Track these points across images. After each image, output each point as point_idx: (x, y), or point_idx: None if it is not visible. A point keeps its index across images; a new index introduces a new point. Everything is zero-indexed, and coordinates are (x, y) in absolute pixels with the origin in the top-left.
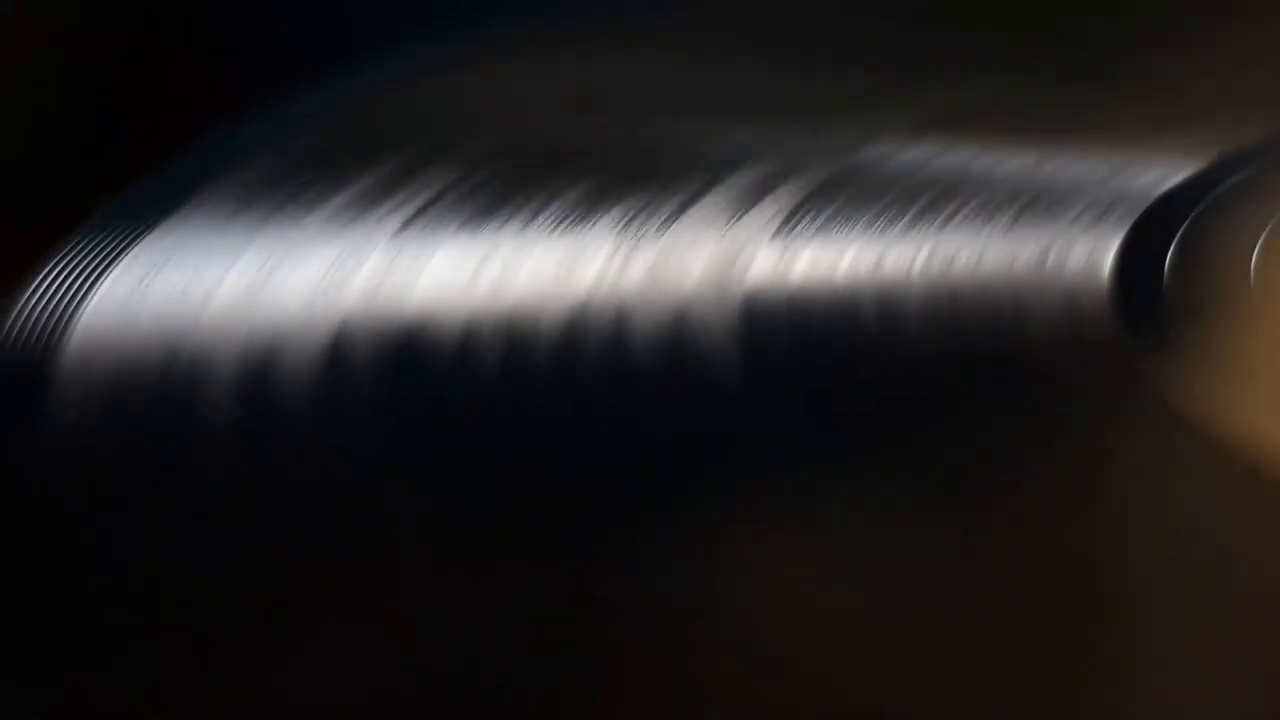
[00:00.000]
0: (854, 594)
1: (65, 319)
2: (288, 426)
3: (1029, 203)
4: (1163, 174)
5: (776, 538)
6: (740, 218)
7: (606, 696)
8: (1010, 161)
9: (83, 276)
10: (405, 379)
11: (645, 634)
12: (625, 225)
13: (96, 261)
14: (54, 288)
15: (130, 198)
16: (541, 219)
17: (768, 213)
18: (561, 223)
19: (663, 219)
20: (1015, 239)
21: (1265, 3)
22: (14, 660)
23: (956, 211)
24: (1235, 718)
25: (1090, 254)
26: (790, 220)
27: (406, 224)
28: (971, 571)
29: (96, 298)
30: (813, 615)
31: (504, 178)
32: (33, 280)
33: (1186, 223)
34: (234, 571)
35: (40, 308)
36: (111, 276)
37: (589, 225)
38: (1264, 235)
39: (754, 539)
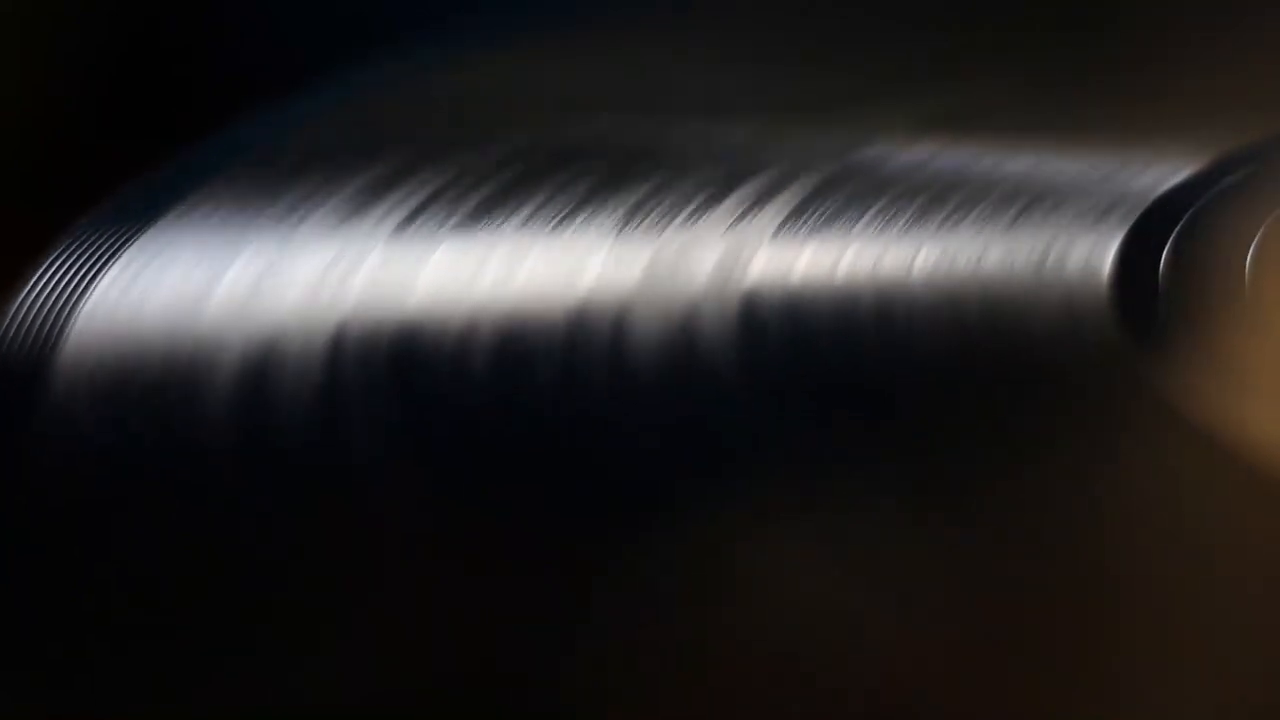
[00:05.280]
0: (854, 594)
1: (63, 317)
2: (286, 426)
3: (1029, 203)
4: (1163, 174)
5: (776, 537)
6: (740, 217)
7: (607, 697)
8: (1010, 161)
9: (81, 275)
10: (404, 378)
11: (645, 634)
12: (624, 225)
13: (94, 260)
14: (52, 286)
15: (128, 196)
16: (541, 218)
17: (768, 212)
18: (561, 222)
19: (662, 218)
20: (1015, 239)
21: (1265, 3)
22: (14, 660)
23: (956, 211)
24: (1235, 717)
25: (1090, 254)
26: (790, 220)
27: (405, 223)
28: (971, 571)
29: (94, 296)
30: (813, 615)
31: (503, 177)
32: (31, 278)
33: (1185, 223)
34: (233, 571)
35: (38, 306)
36: (109, 275)
37: (588, 224)
38: (1260, 234)
39: (754, 539)
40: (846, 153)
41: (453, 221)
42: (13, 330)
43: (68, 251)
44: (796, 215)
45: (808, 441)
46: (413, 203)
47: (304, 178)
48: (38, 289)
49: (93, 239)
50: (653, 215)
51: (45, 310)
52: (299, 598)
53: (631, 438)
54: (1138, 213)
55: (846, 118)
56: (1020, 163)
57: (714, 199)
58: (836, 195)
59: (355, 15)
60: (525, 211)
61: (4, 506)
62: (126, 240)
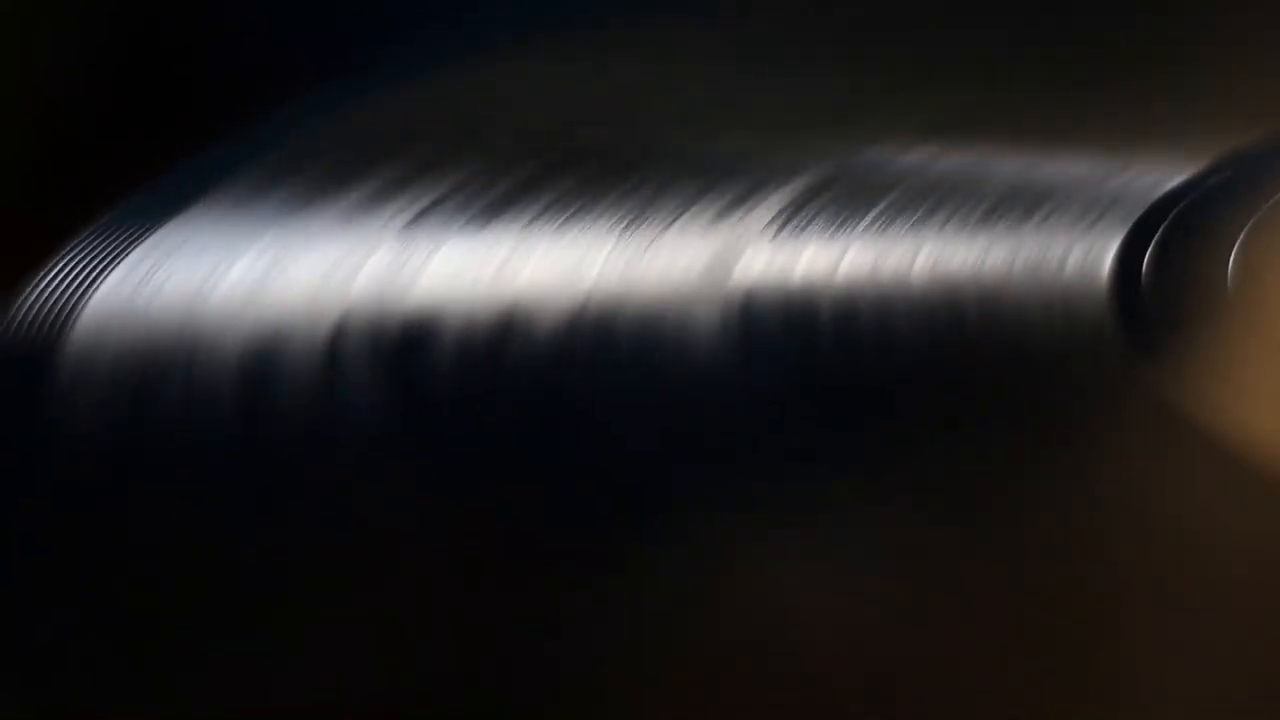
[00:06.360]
0: (854, 594)
1: (70, 314)
2: (289, 421)
3: (1029, 203)
4: (1163, 174)
5: (775, 538)
6: (739, 218)
7: (605, 697)
8: (1010, 162)
9: (88, 272)
10: (406, 376)
11: (644, 634)
12: (625, 225)
13: (101, 258)
14: (59, 283)
15: (136, 198)
16: (543, 219)
17: (767, 213)
18: (562, 222)
19: (663, 219)
20: (1015, 239)
21: (1265, 3)
22: (14, 660)
23: (956, 212)
24: (1235, 717)
25: (1090, 254)
26: (789, 220)
27: (409, 224)
28: (970, 571)
29: (101, 293)
30: (812, 615)
31: (505, 178)
32: (39, 275)
33: (1185, 223)
34: (233, 569)
35: (45, 303)
36: (116, 273)
37: (589, 225)
38: (1259, 236)
39: (752, 539)
40: (847, 154)
41: (455, 223)
42: (21, 325)
43: (75, 249)
44: (795, 216)
45: (807, 442)
46: (416, 205)
47: (309, 181)
48: (43, 288)
49: (100, 238)
50: (652, 217)
51: (50, 309)
52: (299, 598)
53: (631, 438)
54: (1138, 213)
55: (847, 119)
56: (1020, 164)
57: (714, 200)
58: (836, 196)
59: (355, 16)
60: (527, 213)
61: (6, 505)
62: (132, 241)
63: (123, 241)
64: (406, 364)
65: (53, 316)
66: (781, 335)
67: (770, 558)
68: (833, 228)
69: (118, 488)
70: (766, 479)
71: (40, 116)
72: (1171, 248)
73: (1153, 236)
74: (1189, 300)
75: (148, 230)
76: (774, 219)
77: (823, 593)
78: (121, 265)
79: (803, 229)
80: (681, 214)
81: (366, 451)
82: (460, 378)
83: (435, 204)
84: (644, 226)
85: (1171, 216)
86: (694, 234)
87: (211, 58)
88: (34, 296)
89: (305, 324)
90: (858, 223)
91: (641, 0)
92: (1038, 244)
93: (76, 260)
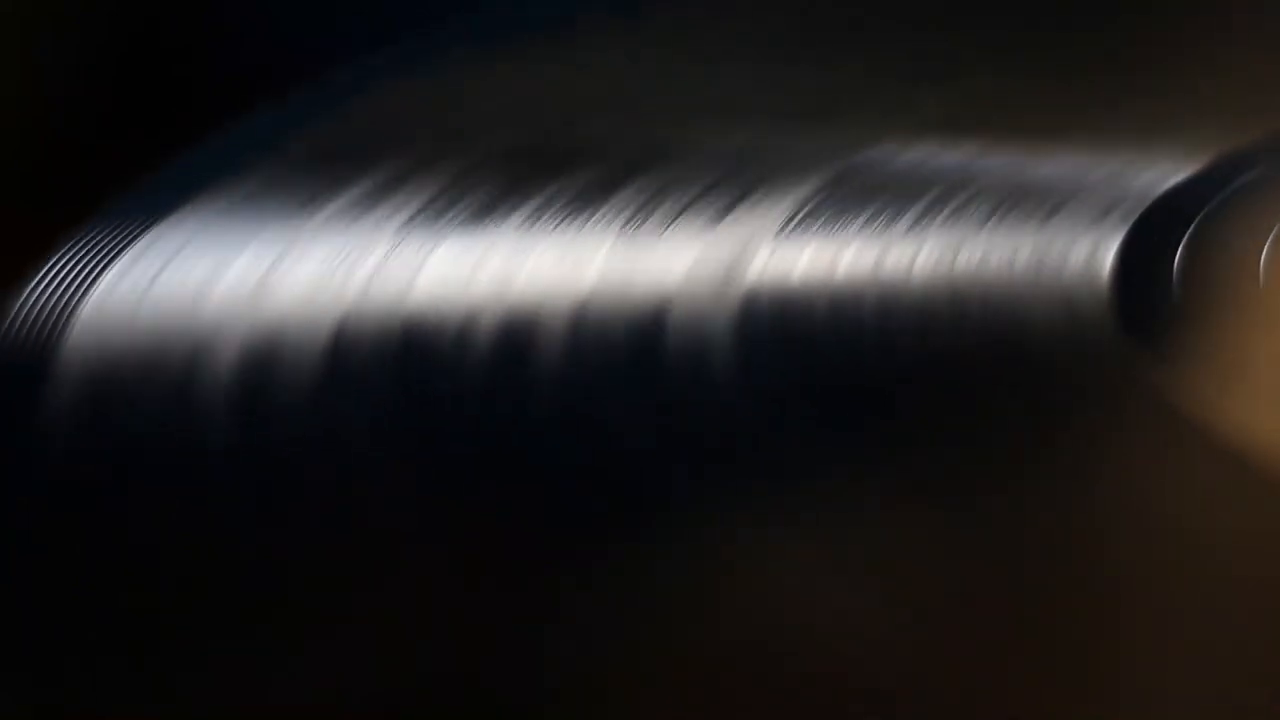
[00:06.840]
0: (854, 593)
1: (67, 314)
2: (287, 421)
3: (1029, 203)
4: (1163, 174)
5: (775, 538)
6: (740, 217)
7: (605, 696)
8: (1010, 161)
9: (85, 271)
10: (404, 376)
11: (644, 634)
12: (625, 224)
13: (99, 257)
14: (57, 282)
15: (133, 195)
16: (542, 218)
17: (768, 213)
18: (561, 221)
19: (663, 218)
20: (1015, 239)
21: (1265, 3)
22: (14, 660)
23: (956, 211)
24: (1235, 717)
25: (1090, 254)
26: (790, 220)
27: (408, 222)
28: (971, 570)
29: (98, 293)
30: (812, 615)
31: (504, 176)
32: (36, 275)
33: (1186, 223)
34: (233, 569)
35: (42, 303)
36: (113, 272)
37: (589, 224)
38: (1271, 236)
39: (753, 538)
40: (847, 153)
41: (454, 221)
42: (18, 325)
43: (73, 248)
44: (796, 215)
45: (807, 441)
46: (415, 202)
47: (308, 178)
48: (41, 287)
49: (97, 236)
50: (653, 215)
51: (48, 308)
52: (299, 598)
53: (630, 437)
54: (1138, 213)
55: (847, 118)
56: (1020, 162)
57: (714, 199)
58: (837, 195)
59: (355, 15)
60: (526, 211)
61: (5, 506)
62: (129, 239)
63: (119, 240)
64: (406, 363)
65: (51, 315)
66: (782, 335)
67: (770, 558)
68: (833, 227)
69: (117, 487)
70: (766, 479)
71: (40, 116)
72: (1172, 246)
73: (1154, 235)
74: (1190, 299)
75: (143, 230)
76: (774, 218)
77: (822, 593)
78: (118, 264)
79: (803, 228)
80: (682, 213)
81: (366, 451)
82: (460, 377)
83: (433, 201)
84: (644, 225)
85: (1173, 215)
86: (694, 233)
87: (211, 58)
88: (32, 295)
89: (305, 322)
90: (857, 222)
91: (641, 0)
92: (1038, 242)
93: (75, 258)
